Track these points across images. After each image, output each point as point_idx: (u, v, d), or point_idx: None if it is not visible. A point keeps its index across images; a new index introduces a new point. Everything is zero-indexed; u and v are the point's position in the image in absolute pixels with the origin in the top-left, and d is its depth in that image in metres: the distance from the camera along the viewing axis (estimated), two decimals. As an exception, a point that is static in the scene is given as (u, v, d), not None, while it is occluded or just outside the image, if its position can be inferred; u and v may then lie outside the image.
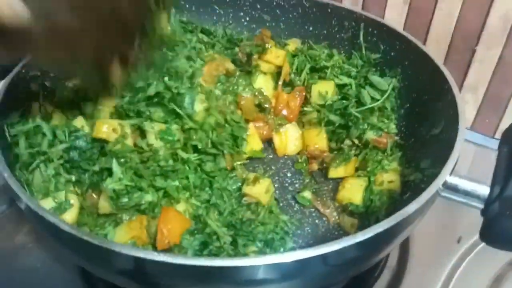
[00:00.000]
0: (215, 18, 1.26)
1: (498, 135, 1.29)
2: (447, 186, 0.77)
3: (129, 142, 0.91)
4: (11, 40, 0.62)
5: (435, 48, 1.25)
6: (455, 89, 0.91)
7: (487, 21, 1.16)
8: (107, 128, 0.90)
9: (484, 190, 0.75)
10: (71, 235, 0.65)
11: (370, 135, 1.02)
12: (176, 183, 0.88)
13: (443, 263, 1.03)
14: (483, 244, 1.03)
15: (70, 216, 0.85)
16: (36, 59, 0.75)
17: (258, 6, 1.25)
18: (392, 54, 1.11)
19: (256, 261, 0.61)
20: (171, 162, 0.89)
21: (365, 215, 0.95)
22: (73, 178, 0.89)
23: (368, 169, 0.99)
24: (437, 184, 0.73)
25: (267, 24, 1.25)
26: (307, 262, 0.62)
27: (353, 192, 0.98)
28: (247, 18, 1.26)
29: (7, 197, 1.11)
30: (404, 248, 1.05)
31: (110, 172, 0.86)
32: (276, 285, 0.68)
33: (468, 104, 1.30)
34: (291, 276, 0.66)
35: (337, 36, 1.20)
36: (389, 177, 0.96)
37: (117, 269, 0.68)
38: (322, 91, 1.10)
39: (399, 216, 0.67)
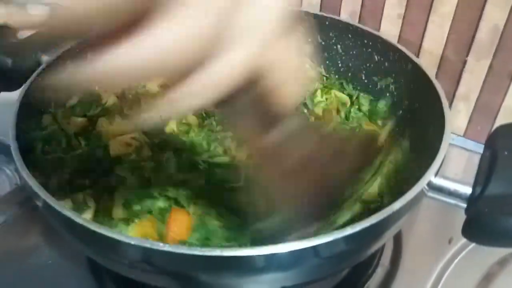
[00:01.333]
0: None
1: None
2: (432, 187, 0.83)
3: (146, 151, 0.97)
4: None
5: (428, 59, 1.31)
6: (443, 97, 0.96)
7: (476, 33, 1.23)
8: (120, 144, 0.95)
9: (466, 190, 0.81)
10: (84, 227, 0.70)
11: None
12: (188, 191, 0.92)
13: (435, 262, 1.08)
14: (473, 245, 1.11)
15: (86, 216, 0.89)
16: None
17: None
18: (386, 64, 1.17)
19: (250, 252, 0.67)
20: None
21: None
22: (87, 182, 0.94)
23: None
24: (421, 184, 0.78)
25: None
26: (299, 253, 0.68)
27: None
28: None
29: (18, 199, 1.17)
30: (397, 247, 1.10)
31: (123, 179, 0.91)
32: (272, 275, 0.73)
33: (460, 113, 1.35)
34: (284, 267, 0.71)
35: (334, 47, 1.27)
36: None
37: (127, 259, 0.74)
38: None
39: (385, 212, 0.73)
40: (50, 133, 0.98)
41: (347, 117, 1.16)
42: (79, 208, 0.90)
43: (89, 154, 0.95)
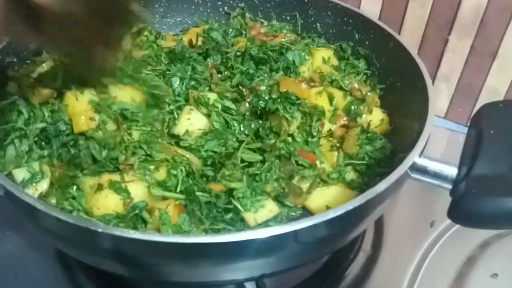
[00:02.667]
0: (193, 7, 1.28)
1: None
2: (417, 168, 0.80)
3: (110, 126, 0.93)
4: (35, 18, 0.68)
5: (410, 38, 1.28)
6: (426, 76, 0.93)
7: (458, 12, 1.20)
8: (84, 119, 0.91)
9: (452, 171, 0.78)
10: (48, 215, 0.65)
11: None
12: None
13: (417, 246, 1.06)
14: (455, 228, 1.09)
15: (43, 186, 0.87)
16: (44, 38, 0.79)
17: (237, -5, 1.27)
18: (367, 43, 1.14)
19: (230, 238, 0.63)
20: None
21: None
22: (45, 153, 0.91)
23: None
24: (405, 165, 0.75)
25: (246, 13, 1.27)
26: (280, 238, 0.64)
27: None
28: (225, 8, 1.28)
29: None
30: (379, 232, 1.08)
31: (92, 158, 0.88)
32: (251, 262, 0.69)
33: (441, 93, 1.33)
34: (265, 252, 0.68)
35: (313, 26, 1.23)
36: None
37: (94, 248, 0.69)
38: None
39: (369, 194, 0.70)
40: (10, 103, 0.93)
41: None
42: (34, 177, 0.87)
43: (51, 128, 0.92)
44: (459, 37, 1.23)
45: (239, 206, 0.82)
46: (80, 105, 0.94)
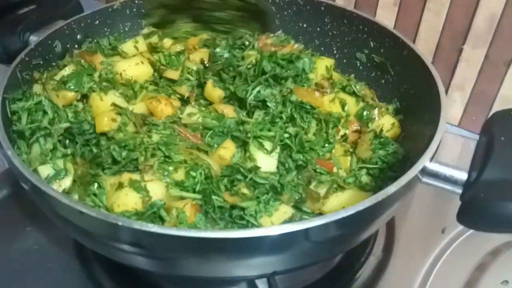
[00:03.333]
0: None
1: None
2: (427, 172, 0.81)
3: (131, 128, 0.96)
4: None
5: (424, 47, 1.30)
6: (439, 83, 0.95)
7: (473, 21, 1.21)
8: (106, 120, 0.94)
9: (462, 175, 0.80)
10: (71, 208, 0.68)
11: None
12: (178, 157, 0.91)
13: (428, 252, 1.07)
14: (466, 234, 1.10)
15: (66, 182, 0.89)
16: None
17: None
18: (382, 51, 1.15)
19: (244, 234, 0.65)
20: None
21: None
22: (69, 151, 0.95)
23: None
24: (416, 168, 0.77)
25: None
26: (292, 236, 0.66)
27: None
28: (243, 15, 1.31)
29: (8, 182, 1.16)
30: (390, 237, 1.09)
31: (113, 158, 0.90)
32: (263, 258, 0.72)
33: (455, 102, 1.34)
34: (277, 249, 0.70)
35: (330, 33, 1.25)
36: None
37: (114, 240, 0.72)
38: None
39: (379, 196, 0.71)
40: (35, 103, 0.97)
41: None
42: (58, 173, 0.89)
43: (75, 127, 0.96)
44: (473, 47, 1.24)
45: (252, 221, 0.82)
46: (103, 105, 0.98)
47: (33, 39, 1.12)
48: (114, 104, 0.99)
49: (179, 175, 0.89)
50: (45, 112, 0.96)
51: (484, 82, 1.28)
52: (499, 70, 1.24)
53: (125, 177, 0.86)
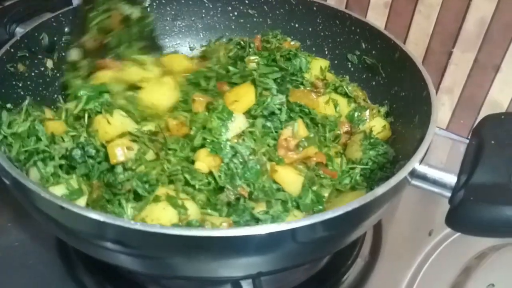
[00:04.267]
0: (203, 11, 1.30)
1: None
2: (417, 175, 0.81)
3: (150, 155, 0.90)
4: None
5: (414, 50, 1.29)
6: (430, 86, 0.95)
7: (463, 25, 1.21)
8: (121, 150, 0.85)
9: (451, 178, 0.79)
10: (51, 202, 0.66)
11: None
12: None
13: (414, 254, 1.06)
14: (453, 237, 1.10)
15: (80, 203, 0.83)
16: None
17: (247, 2, 1.28)
18: (373, 52, 1.15)
19: (229, 233, 0.64)
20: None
21: None
22: (74, 177, 0.86)
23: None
24: (405, 170, 0.76)
25: (255, 19, 1.29)
26: (278, 235, 0.65)
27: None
28: (235, 13, 1.30)
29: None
30: (377, 239, 1.08)
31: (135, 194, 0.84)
32: (249, 258, 0.70)
33: (444, 105, 1.34)
34: (263, 249, 0.69)
35: (321, 34, 1.24)
36: None
37: (96, 237, 0.70)
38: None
39: (368, 197, 0.71)
40: (28, 128, 0.90)
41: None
42: (73, 194, 0.83)
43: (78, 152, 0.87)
44: (463, 50, 1.24)
45: None
46: (112, 130, 0.91)
47: (20, 30, 1.10)
48: (128, 133, 0.92)
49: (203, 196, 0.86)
50: (38, 139, 0.88)
51: (473, 86, 1.28)
52: (488, 75, 1.24)
53: (161, 191, 0.82)
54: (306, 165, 0.95)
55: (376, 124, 1.04)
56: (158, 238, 0.64)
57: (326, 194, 0.92)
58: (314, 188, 0.92)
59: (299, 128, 0.96)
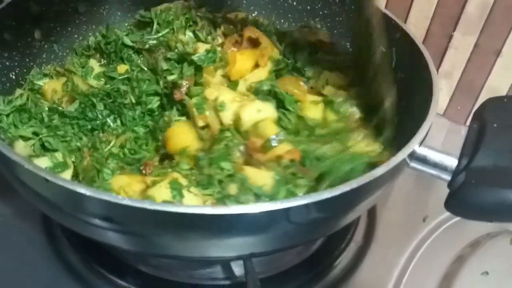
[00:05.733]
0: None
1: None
2: (416, 157, 0.78)
3: None
4: None
5: (414, 32, 1.25)
6: (431, 66, 0.92)
7: (465, 7, 1.18)
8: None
9: (452, 161, 0.77)
10: (35, 174, 0.63)
11: None
12: None
13: (408, 240, 1.04)
14: (447, 224, 1.08)
15: (65, 176, 0.82)
16: None
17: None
18: (372, 33, 1.12)
19: (221, 210, 0.61)
20: None
21: None
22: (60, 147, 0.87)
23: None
24: (405, 152, 0.74)
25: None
26: (272, 215, 0.63)
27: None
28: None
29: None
30: (371, 224, 1.06)
31: None
32: (241, 238, 0.68)
33: (441, 90, 1.31)
34: (255, 229, 0.66)
35: (320, 13, 1.21)
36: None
37: (82, 213, 0.67)
38: None
39: (366, 178, 0.68)
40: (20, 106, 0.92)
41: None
42: (57, 166, 0.83)
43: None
44: (463, 33, 1.21)
45: None
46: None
47: (6, -2, 1.05)
48: None
49: None
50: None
51: (473, 70, 1.25)
52: (488, 59, 1.21)
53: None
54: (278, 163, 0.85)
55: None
56: (146, 215, 0.61)
57: (300, 194, 0.81)
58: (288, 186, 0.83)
59: (267, 126, 0.89)
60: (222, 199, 0.77)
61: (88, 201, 0.63)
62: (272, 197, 0.78)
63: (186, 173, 0.81)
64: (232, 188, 0.78)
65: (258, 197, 0.78)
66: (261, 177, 0.80)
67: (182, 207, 0.61)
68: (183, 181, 0.78)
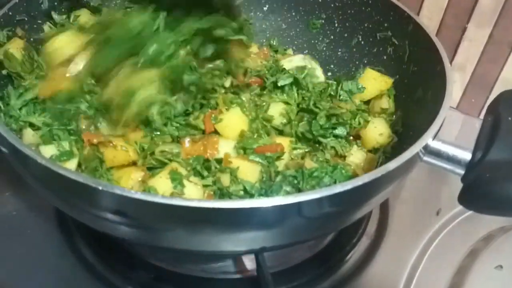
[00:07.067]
0: None
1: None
2: (430, 151, 0.78)
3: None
4: None
5: (427, 24, 1.24)
6: (445, 59, 0.91)
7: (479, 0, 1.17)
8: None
9: (466, 155, 0.76)
10: (49, 170, 0.63)
11: None
12: None
13: (421, 234, 1.04)
14: (461, 217, 1.07)
15: (70, 166, 0.83)
16: None
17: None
18: (386, 25, 1.11)
19: (234, 205, 0.61)
20: None
21: None
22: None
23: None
24: (419, 145, 0.73)
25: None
26: (284, 209, 0.62)
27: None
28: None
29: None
30: (384, 218, 1.06)
31: None
32: (253, 233, 0.68)
33: (455, 83, 1.30)
34: (267, 223, 0.66)
35: (332, 5, 1.20)
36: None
37: (95, 207, 0.67)
38: None
39: (379, 172, 0.67)
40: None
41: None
42: (63, 155, 0.84)
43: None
44: (477, 25, 1.20)
45: None
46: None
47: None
48: None
49: None
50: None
51: (486, 63, 1.23)
52: (503, 51, 1.19)
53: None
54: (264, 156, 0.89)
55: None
56: (159, 209, 0.61)
57: (288, 189, 0.85)
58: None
59: None
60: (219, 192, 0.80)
61: (100, 195, 0.63)
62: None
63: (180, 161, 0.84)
64: (225, 180, 0.82)
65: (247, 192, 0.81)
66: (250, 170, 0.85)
67: (194, 201, 0.60)
68: (182, 171, 0.80)
